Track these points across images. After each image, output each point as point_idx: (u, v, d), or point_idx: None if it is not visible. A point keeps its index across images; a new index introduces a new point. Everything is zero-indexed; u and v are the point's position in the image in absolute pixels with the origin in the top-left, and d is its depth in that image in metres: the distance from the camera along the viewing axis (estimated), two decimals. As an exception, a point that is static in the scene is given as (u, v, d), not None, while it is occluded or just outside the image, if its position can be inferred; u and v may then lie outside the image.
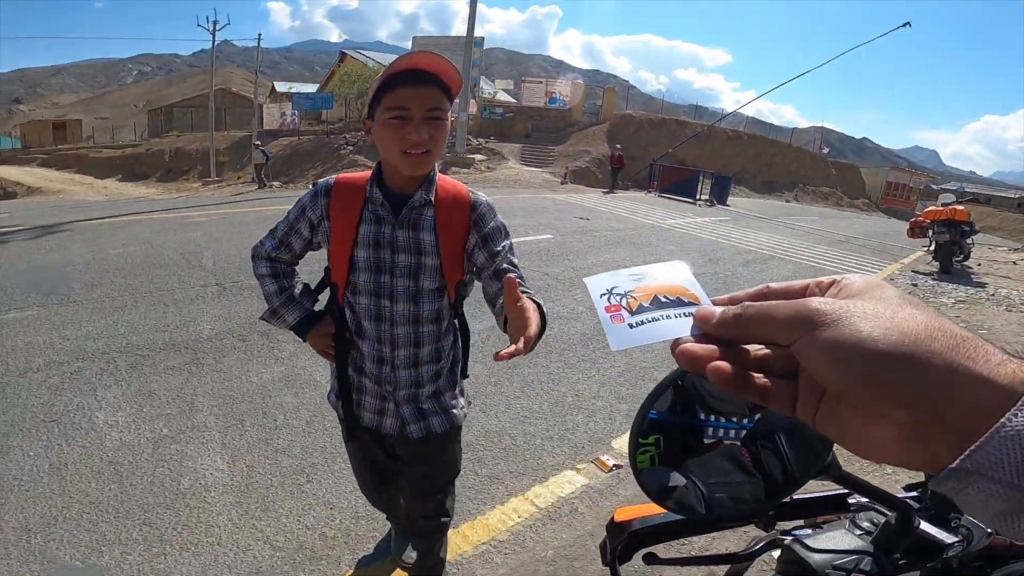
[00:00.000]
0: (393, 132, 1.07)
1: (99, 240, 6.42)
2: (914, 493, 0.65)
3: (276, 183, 17.39)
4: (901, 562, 0.59)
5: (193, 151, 25.74)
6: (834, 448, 0.56)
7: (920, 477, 0.69)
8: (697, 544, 1.79)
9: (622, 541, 0.65)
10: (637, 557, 0.67)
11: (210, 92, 24.46)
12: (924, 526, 0.58)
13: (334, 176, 1.24)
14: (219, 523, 1.98)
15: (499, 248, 1.20)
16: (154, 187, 22.31)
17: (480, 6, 18.26)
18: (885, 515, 0.61)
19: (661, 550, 0.66)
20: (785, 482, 0.58)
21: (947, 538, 0.56)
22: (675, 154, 21.44)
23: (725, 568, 0.72)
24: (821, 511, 0.67)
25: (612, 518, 0.69)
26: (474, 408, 2.84)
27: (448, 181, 1.23)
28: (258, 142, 19.43)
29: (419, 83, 1.05)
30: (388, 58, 30.23)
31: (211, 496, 2.13)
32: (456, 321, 1.35)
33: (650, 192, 18.03)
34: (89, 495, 2.11)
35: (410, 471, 1.43)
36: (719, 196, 17.13)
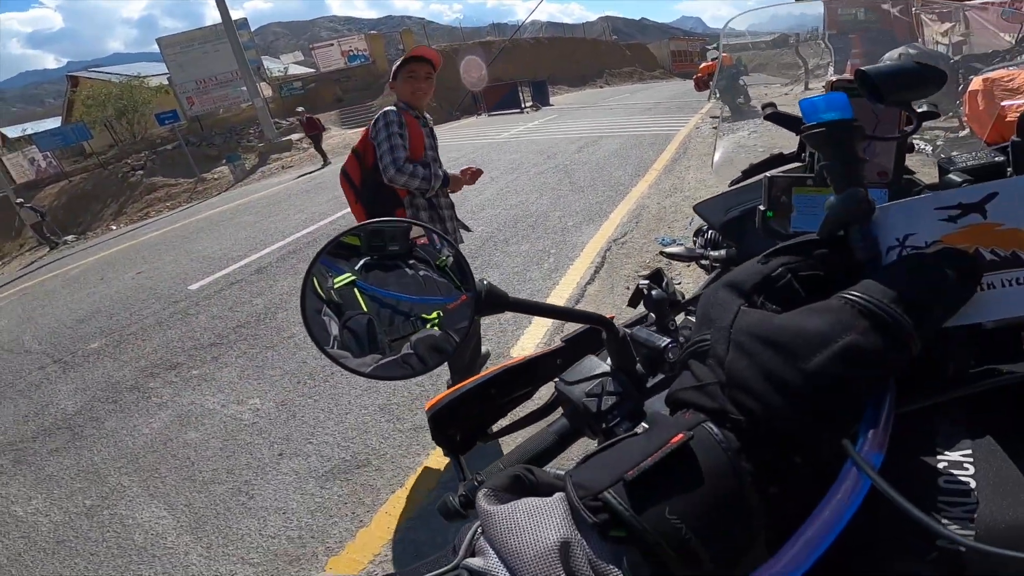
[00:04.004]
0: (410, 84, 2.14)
1: None
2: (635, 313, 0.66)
3: (69, 237, 14.64)
4: (657, 378, 0.58)
5: (-61, 236, 20.46)
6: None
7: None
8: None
9: (430, 428, 0.62)
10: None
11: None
12: (642, 334, 0.58)
13: (390, 108, 2.11)
14: (192, 561, 1.96)
15: None
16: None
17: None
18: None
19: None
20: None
21: (660, 341, 0.56)
22: (488, 75, 21.55)
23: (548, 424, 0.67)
24: (586, 349, 0.64)
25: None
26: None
27: None
28: (20, 199, 15.99)
29: (420, 61, 2.13)
30: (136, 67, 25.61)
31: (170, 541, 2.09)
32: None
33: (480, 115, 18.13)
34: (63, 574, 2.05)
35: None
36: (542, 100, 17.78)
